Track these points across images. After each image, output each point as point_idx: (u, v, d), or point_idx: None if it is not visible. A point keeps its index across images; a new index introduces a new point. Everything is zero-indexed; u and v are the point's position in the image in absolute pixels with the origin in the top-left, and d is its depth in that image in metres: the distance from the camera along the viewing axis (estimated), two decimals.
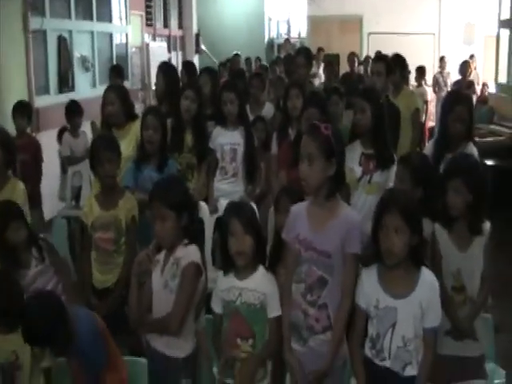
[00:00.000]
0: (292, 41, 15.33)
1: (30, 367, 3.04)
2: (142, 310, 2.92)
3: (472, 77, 11.03)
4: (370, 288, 2.67)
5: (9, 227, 3.25)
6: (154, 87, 5.96)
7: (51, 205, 6.19)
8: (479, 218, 3.01)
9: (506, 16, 10.04)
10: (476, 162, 3.24)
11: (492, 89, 10.53)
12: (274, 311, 2.80)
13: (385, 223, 2.58)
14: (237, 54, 9.87)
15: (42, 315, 2.72)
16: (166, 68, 5.48)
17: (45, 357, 3.03)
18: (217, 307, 2.91)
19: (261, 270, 2.85)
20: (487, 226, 3.05)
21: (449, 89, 10.98)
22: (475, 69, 11.97)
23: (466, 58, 12.36)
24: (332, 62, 8.90)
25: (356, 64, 10.22)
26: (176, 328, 2.81)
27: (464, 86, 10.35)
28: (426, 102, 10.77)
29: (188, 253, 2.85)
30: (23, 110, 5.74)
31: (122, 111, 4.44)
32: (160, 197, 2.86)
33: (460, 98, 4.14)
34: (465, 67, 10.47)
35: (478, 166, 3.17)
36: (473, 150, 3.94)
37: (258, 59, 12.43)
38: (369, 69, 7.63)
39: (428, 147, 4.16)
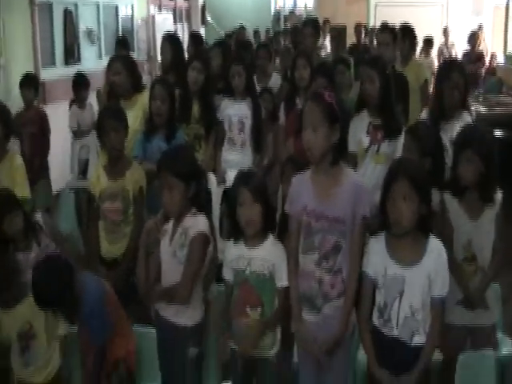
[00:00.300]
0: (298, 13, 15.18)
1: (46, 336, 3.08)
2: (150, 279, 2.94)
3: (481, 48, 10.93)
4: (377, 256, 2.67)
5: (4, 219, 3.25)
6: (159, 59, 5.89)
7: (59, 177, 6.22)
8: (491, 187, 3.02)
9: None
10: (487, 133, 3.23)
11: (501, 60, 10.41)
12: (282, 281, 2.81)
13: (393, 192, 2.58)
14: (242, 26, 9.80)
15: (49, 276, 2.79)
16: (171, 39, 5.44)
17: (59, 325, 3.07)
18: (228, 275, 2.93)
19: (270, 239, 2.86)
20: (499, 196, 3.05)
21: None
22: (484, 40, 11.84)
23: (475, 28, 12.26)
24: (340, 32, 8.81)
25: (363, 35, 10.13)
26: (185, 297, 2.84)
27: (473, 57, 10.27)
28: (433, 74, 10.69)
29: (196, 222, 2.86)
30: (30, 82, 5.74)
31: (128, 82, 4.38)
32: (168, 166, 2.86)
33: (455, 65, 4.16)
34: (473, 38, 10.36)
35: (489, 136, 3.18)
36: (468, 119, 3.94)
37: (267, 31, 12.34)
38: (375, 40, 7.55)
39: (422, 117, 4.13)
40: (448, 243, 2.96)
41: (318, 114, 2.63)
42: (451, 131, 3.79)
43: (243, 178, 2.90)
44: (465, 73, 4.06)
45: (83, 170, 6.04)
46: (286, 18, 15.82)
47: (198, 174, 2.99)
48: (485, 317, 3.09)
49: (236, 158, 4.68)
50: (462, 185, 3.00)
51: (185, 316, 2.91)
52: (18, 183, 3.75)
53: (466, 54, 10.56)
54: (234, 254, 2.89)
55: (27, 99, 5.67)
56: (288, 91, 4.92)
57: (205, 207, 3.00)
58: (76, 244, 4.51)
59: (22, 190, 3.73)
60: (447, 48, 11.74)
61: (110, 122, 3.59)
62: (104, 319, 2.91)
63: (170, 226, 2.95)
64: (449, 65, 4.31)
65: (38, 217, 3.50)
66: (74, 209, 5.65)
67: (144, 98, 4.35)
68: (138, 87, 4.49)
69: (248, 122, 4.68)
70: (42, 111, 5.85)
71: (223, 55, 5.48)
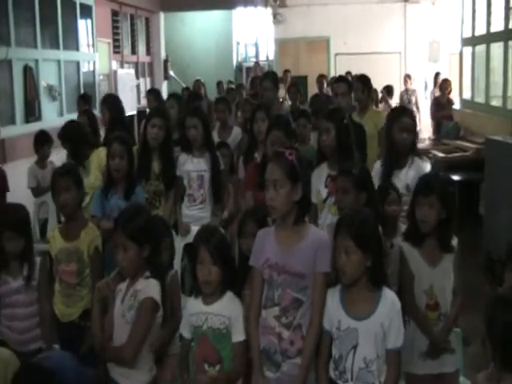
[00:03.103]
0: (260, 63, 15.45)
1: None
2: (105, 337, 2.92)
3: (437, 94, 11.22)
4: (332, 309, 2.67)
5: (3, 235, 3.28)
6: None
7: None
8: (450, 234, 3.10)
9: (467, 34, 10.24)
10: (449, 180, 3.33)
11: (457, 105, 10.69)
12: (239, 336, 2.80)
13: (337, 244, 2.62)
14: (198, 79, 9.95)
15: None
16: (108, 100, 5.68)
17: None
18: (185, 332, 2.92)
19: (228, 295, 2.86)
20: (455, 241, 3.12)
21: (413, 107, 11.13)
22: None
23: (432, 75, 12.59)
24: (296, 83, 8.96)
25: (325, 85, 10.34)
26: (130, 359, 2.82)
27: (443, 102, 10.52)
28: None
29: (147, 287, 2.86)
30: None
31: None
32: (122, 227, 2.87)
33: (405, 110, 4.33)
34: (445, 84, 10.63)
35: (450, 183, 3.29)
36: (421, 165, 4.00)
37: (230, 83, 12.51)
38: None
39: (376, 166, 4.19)
40: (409, 291, 3.03)
41: (280, 172, 2.69)
42: (405, 178, 3.87)
43: (204, 235, 2.90)
44: (414, 119, 4.19)
45: (42, 230, 5.94)
46: (248, 70, 16.07)
47: (154, 237, 2.98)
48: (450, 361, 3.12)
49: (196, 214, 4.68)
50: (420, 233, 3.06)
51: (131, 378, 2.87)
52: None
53: (435, 99, 10.81)
54: (193, 310, 2.88)
55: None
56: (247, 144, 4.95)
57: (160, 271, 2.97)
58: None
59: None
60: (407, 95, 12.03)
61: (60, 181, 3.56)
62: None
63: (124, 285, 2.93)
64: (399, 109, 4.48)
65: None
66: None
67: (101, 152, 4.37)
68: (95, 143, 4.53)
69: (207, 176, 4.69)
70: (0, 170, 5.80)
71: (178, 106, 5.57)
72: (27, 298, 3.40)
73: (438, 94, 10.98)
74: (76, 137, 5.00)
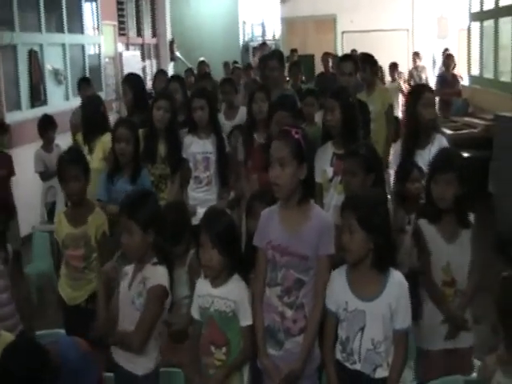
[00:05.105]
0: (268, 43, 15.35)
1: None
2: (110, 321, 2.91)
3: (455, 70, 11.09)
4: (339, 290, 2.66)
5: None
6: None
7: (26, 220, 6.15)
8: (467, 210, 3.09)
9: (476, 9, 10.10)
10: (465, 157, 3.32)
11: (466, 81, 10.57)
12: (246, 320, 2.79)
13: (343, 222, 2.61)
14: (202, 61, 9.87)
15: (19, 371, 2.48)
16: (129, 79, 5.48)
17: None
18: (196, 313, 2.90)
19: (234, 277, 2.83)
20: (472, 218, 3.12)
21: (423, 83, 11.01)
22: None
23: (440, 51, 12.46)
24: (298, 62, 8.87)
25: (330, 63, 10.26)
26: (138, 347, 2.81)
27: (449, 79, 10.41)
28: (402, 93, 10.84)
29: (155, 274, 2.85)
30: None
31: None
32: (127, 211, 2.85)
33: (426, 86, 4.39)
34: (448, 60, 10.53)
35: (465, 160, 3.28)
36: (443, 142, 3.99)
37: (235, 63, 12.43)
38: None
39: (397, 148, 4.20)
40: (426, 267, 3.04)
41: (286, 151, 2.66)
42: (429, 156, 3.83)
43: (208, 219, 2.87)
44: (434, 95, 4.17)
45: (50, 213, 5.96)
46: (255, 49, 15.97)
47: (159, 222, 2.95)
48: (465, 337, 3.13)
49: (203, 196, 4.65)
50: (437, 209, 3.05)
51: (137, 364, 2.87)
52: None
53: (440, 76, 10.72)
54: (201, 291, 2.88)
55: None
56: (246, 126, 4.90)
57: (167, 258, 2.95)
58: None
59: None
60: (417, 71, 11.92)
61: (68, 170, 3.54)
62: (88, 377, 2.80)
63: (130, 269, 2.93)
64: (420, 86, 4.56)
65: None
66: (49, 249, 5.56)
67: (105, 137, 4.35)
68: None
69: (213, 158, 4.66)
70: (7, 154, 5.86)
71: (182, 88, 5.51)
72: (4, 282, 3.34)
73: (443, 70, 10.86)
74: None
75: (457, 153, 3.33)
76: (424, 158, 3.84)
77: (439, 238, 3.06)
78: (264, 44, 14.61)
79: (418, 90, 4.22)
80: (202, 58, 10.06)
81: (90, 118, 4.85)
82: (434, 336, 3.06)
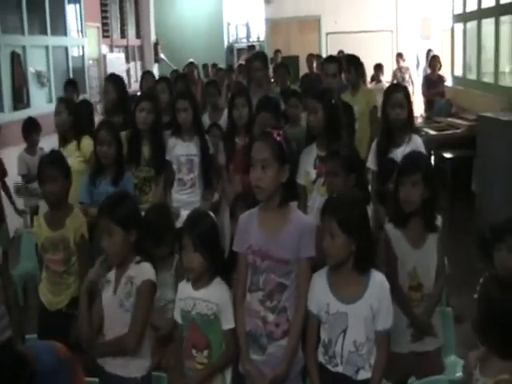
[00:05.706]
0: (251, 44, 15.36)
1: None
2: (93, 330, 2.88)
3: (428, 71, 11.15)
4: (320, 293, 2.65)
5: None
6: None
7: (11, 222, 6.10)
8: (433, 214, 3.07)
9: (459, 10, 10.17)
10: (429, 160, 3.33)
11: (449, 82, 10.63)
12: (228, 323, 2.77)
13: (323, 226, 2.61)
14: (191, 62, 9.83)
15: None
16: (113, 79, 5.43)
17: None
18: (178, 317, 2.89)
19: (216, 280, 2.82)
20: (439, 221, 3.10)
21: (407, 84, 11.06)
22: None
23: (424, 52, 12.53)
24: (284, 63, 8.86)
25: (315, 65, 10.28)
26: (135, 346, 2.79)
27: (434, 80, 10.47)
28: None
29: (142, 270, 2.83)
30: None
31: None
32: (107, 211, 2.83)
33: (397, 86, 4.44)
34: (434, 61, 10.58)
35: (431, 163, 3.29)
36: (419, 143, 4.02)
37: (214, 65, 12.41)
38: None
39: (373, 146, 4.24)
40: (392, 272, 3.01)
41: (267, 152, 2.64)
42: (402, 155, 3.84)
43: (190, 221, 2.86)
44: (407, 93, 4.20)
45: (33, 217, 5.90)
46: (239, 51, 15.97)
47: (139, 221, 2.95)
48: (430, 343, 3.10)
49: (186, 198, 4.64)
50: (404, 214, 3.03)
51: (133, 367, 2.84)
52: None
53: (426, 77, 10.77)
54: (182, 294, 2.86)
55: None
56: (226, 129, 4.90)
57: (150, 255, 2.94)
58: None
59: None
60: (401, 72, 11.99)
61: (46, 170, 3.50)
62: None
63: (112, 275, 2.90)
64: (391, 87, 4.56)
65: None
66: (34, 249, 5.51)
67: (84, 140, 4.36)
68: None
69: (197, 160, 4.65)
70: None
71: (169, 90, 5.49)
72: None
73: (429, 71, 10.93)
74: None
75: (423, 155, 3.34)
76: (398, 156, 3.84)
77: (405, 243, 3.04)
78: (252, 47, 14.62)
79: (388, 91, 4.27)
80: (191, 60, 10.02)
81: (81, 123, 4.83)
82: (400, 339, 3.01)
